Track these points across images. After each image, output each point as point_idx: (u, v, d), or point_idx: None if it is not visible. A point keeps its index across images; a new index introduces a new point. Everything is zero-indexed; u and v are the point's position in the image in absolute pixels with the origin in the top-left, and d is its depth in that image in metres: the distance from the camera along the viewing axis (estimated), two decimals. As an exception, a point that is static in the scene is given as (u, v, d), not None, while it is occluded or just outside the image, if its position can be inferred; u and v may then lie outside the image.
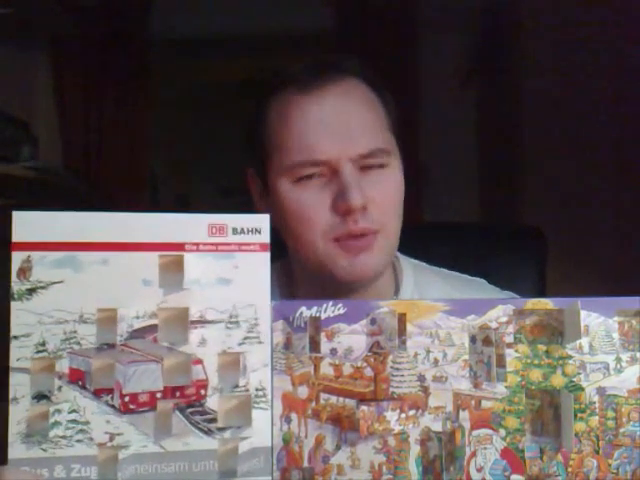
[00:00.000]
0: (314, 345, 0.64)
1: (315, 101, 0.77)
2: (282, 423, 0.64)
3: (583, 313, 0.60)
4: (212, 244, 0.64)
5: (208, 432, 0.63)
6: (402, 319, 0.63)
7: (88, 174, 2.52)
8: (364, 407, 0.62)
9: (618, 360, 0.60)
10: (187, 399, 0.63)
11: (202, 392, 0.63)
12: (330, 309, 0.64)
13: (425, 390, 0.62)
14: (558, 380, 0.60)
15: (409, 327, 0.63)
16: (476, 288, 0.86)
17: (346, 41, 2.46)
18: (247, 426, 0.63)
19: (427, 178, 2.53)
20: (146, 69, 2.58)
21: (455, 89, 2.55)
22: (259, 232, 0.64)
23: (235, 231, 0.64)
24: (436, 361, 0.62)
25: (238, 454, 0.62)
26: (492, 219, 2.44)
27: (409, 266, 0.89)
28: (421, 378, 0.62)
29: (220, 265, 0.64)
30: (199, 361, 0.63)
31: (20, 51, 2.44)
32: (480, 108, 2.62)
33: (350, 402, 0.63)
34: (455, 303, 0.63)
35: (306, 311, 0.65)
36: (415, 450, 0.61)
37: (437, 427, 0.61)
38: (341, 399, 0.63)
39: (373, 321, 0.63)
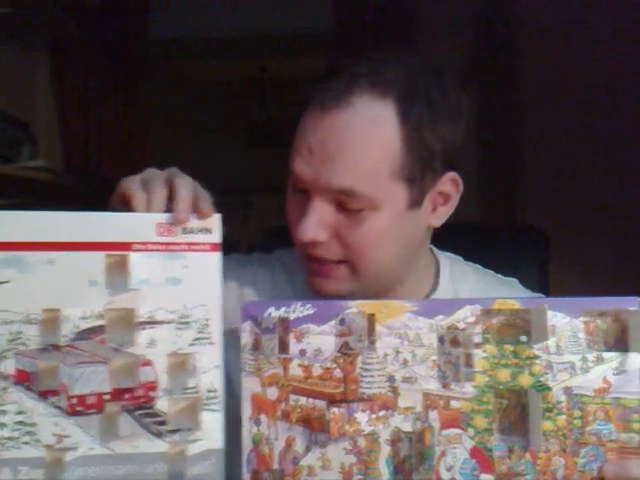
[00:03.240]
0: (283, 346, 0.64)
1: (316, 118, 0.72)
2: (252, 425, 0.64)
3: (549, 313, 0.61)
4: (161, 244, 0.63)
5: (158, 434, 0.62)
6: (371, 320, 0.63)
7: (88, 174, 2.51)
8: (335, 409, 0.62)
9: (584, 360, 0.60)
10: (136, 401, 0.62)
11: (151, 394, 0.62)
12: (299, 310, 0.64)
13: (395, 391, 0.62)
14: (525, 380, 0.60)
15: (378, 328, 0.63)
16: (508, 287, 0.85)
17: (346, 41, 2.46)
18: (197, 428, 0.62)
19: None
20: (146, 69, 2.58)
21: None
22: (209, 232, 0.64)
23: (185, 231, 0.64)
24: (405, 362, 0.62)
25: (188, 457, 0.62)
26: (492, 219, 2.44)
27: (446, 260, 0.87)
28: (390, 379, 0.62)
29: (169, 265, 0.63)
30: (148, 362, 0.62)
31: (20, 51, 2.44)
32: (480, 108, 2.62)
33: (320, 403, 0.63)
34: (423, 304, 0.63)
35: (275, 312, 0.64)
36: (385, 451, 0.62)
37: (407, 427, 0.62)
38: (311, 400, 0.63)
39: (342, 322, 0.63)
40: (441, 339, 0.62)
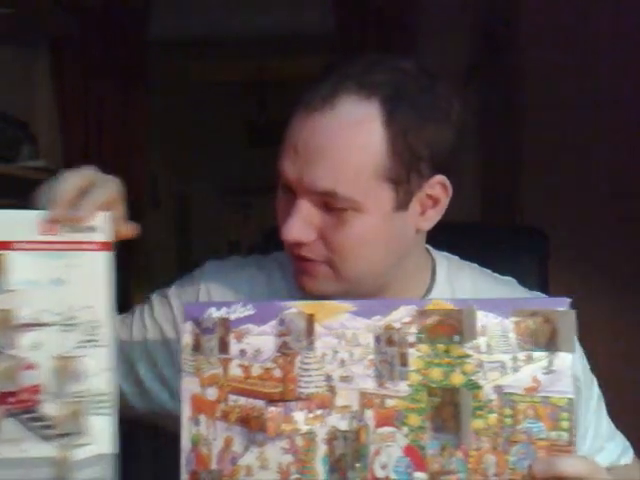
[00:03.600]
0: (223, 346, 0.64)
1: (302, 119, 0.72)
2: (191, 425, 0.64)
3: (481, 313, 0.62)
4: (43, 242, 0.61)
5: (45, 438, 0.60)
6: (310, 320, 0.63)
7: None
8: (272, 408, 0.62)
9: (515, 359, 0.61)
10: (21, 405, 0.60)
11: (36, 397, 0.60)
12: (240, 310, 0.64)
13: (332, 390, 0.63)
14: (457, 378, 0.61)
15: (317, 328, 0.63)
16: (506, 286, 0.85)
17: (346, 41, 2.46)
18: (85, 433, 0.61)
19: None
20: (146, 69, 2.58)
21: (455, 89, 2.55)
22: (94, 230, 0.63)
23: (68, 229, 0.62)
24: (343, 361, 0.63)
25: (76, 461, 0.60)
26: (492, 219, 2.44)
27: (443, 260, 0.86)
28: (328, 378, 0.63)
29: (53, 265, 0.61)
30: (32, 365, 0.60)
31: (20, 51, 2.44)
32: (480, 108, 2.62)
33: (259, 403, 0.63)
34: (361, 304, 0.64)
35: (215, 312, 0.65)
36: (322, 449, 0.62)
37: (343, 426, 0.62)
38: (250, 400, 0.63)
39: (282, 322, 0.64)
40: (377, 339, 0.62)
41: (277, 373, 0.63)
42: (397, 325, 0.62)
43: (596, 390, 0.85)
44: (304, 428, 0.62)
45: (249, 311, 0.65)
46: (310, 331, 0.63)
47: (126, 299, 2.63)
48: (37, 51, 2.54)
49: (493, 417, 0.60)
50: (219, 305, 0.65)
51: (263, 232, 1.20)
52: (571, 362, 0.60)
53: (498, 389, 0.61)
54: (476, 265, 0.88)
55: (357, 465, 0.62)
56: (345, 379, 0.63)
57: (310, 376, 0.63)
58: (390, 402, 0.62)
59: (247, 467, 0.63)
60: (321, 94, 0.71)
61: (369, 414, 0.62)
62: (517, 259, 0.91)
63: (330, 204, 0.72)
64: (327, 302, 0.65)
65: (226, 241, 4.96)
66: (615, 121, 2.10)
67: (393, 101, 0.71)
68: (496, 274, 0.88)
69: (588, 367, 0.84)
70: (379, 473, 0.62)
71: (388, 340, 0.62)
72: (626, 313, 1.98)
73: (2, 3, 1.97)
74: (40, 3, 2.05)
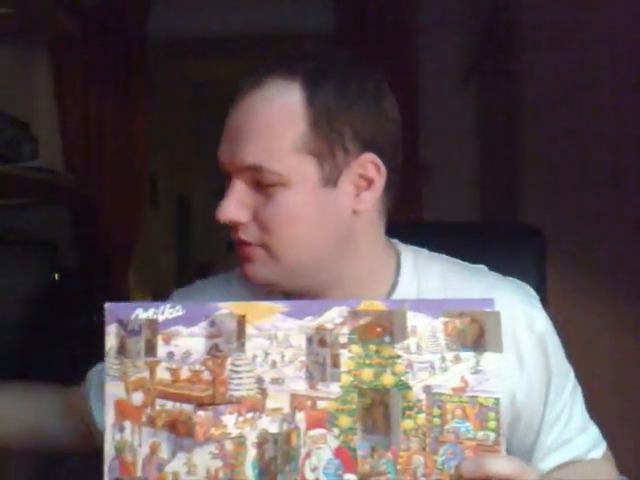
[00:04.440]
0: (150, 349, 0.63)
1: (234, 106, 0.77)
2: (115, 432, 0.62)
3: (411, 314, 0.62)
4: None
5: None
6: (241, 321, 0.62)
7: (88, 174, 2.52)
8: (201, 412, 0.61)
9: (443, 359, 0.61)
10: None
11: None
12: (168, 311, 0.63)
13: (263, 392, 0.62)
14: (387, 379, 0.61)
15: (248, 329, 0.62)
16: (475, 276, 0.84)
17: (346, 41, 2.46)
18: None
19: (428, 178, 2.53)
20: (146, 69, 2.58)
21: (455, 89, 2.55)
22: None
23: None
24: (274, 363, 0.62)
25: None
26: (492, 219, 2.44)
27: (409, 254, 0.87)
28: (259, 380, 0.62)
29: None
30: None
31: (20, 51, 2.44)
32: (480, 108, 2.62)
33: (187, 407, 0.61)
34: (293, 304, 0.63)
35: (142, 313, 0.63)
36: (252, 453, 0.61)
37: (274, 429, 0.61)
38: (177, 404, 0.62)
39: (212, 323, 0.62)
40: (309, 340, 0.62)
41: (206, 376, 0.62)
42: (329, 326, 0.62)
43: (571, 380, 0.84)
44: (234, 432, 0.61)
45: (178, 312, 0.63)
46: (241, 332, 0.62)
47: (126, 299, 2.62)
48: (37, 51, 2.54)
49: (422, 417, 0.60)
50: (146, 306, 0.63)
51: None
52: (498, 362, 0.60)
53: (427, 389, 0.61)
54: (446, 257, 0.88)
55: (287, 468, 0.61)
56: (276, 381, 0.62)
57: (241, 378, 0.62)
58: (321, 404, 0.61)
59: (174, 473, 0.61)
60: (250, 79, 0.76)
61: (300, 416, 0.61)
62: (515, 258, 0.91)
63: (260, 181, 0.74)
64: (259, 303, 0.63)
65: (226, 241, 4.95)
66: (615, 121, 2.10)
67: (315, 81, 0.75)
68: (466, 263, 0.87)
69: (563, 357, 0.84)
70: (309, 475, 0.61)
71: (320, 341, 0.62)
72: (625, 312, 1.98)
73: (2, 3, 1.97)
74: (40, 3, 2.05)
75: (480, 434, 0.60)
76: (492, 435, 0.60)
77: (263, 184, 0.74)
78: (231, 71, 3.80)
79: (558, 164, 2.13)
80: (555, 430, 0.81)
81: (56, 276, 2.14)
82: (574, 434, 0.82)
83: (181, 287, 0.94)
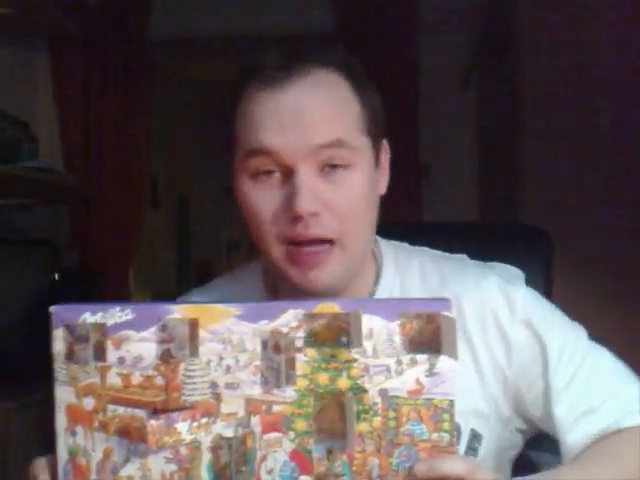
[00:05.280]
0: (100, 354, 0.61)
1: (275, 94, 0.73)
2: (67, 436, 0.61)
3: (368, 317, 0.61)
4: None
5: None
6: (194, 325, 0.61)
7: (88, 174, 2.52)
8: (153, 421, 0.60)
9: (399, 362, 0.60)
10: None
11: None
12: (117, 315, 0.61)
13: (217, 397, 0.61)
14: (344, 383, 0.61)
15: (202, 333, 0.61)
16: (456, 267, 0.84)
17: (346, 41, 2.46)
18: None
19: (427, 178, 2.53)
20: (146, 69, 2.58)
21: (455, 89, 2.55)
22: None
23: None
24: (228, 367, 0.61)
25: None
26: (492, 219, 2.44)
27: (390, 250, 0.86)
28: (213, 385, 0.61)
29: None
30: None
31: (20, 51, 2.44)
32: (480, 108, 2.62)
33: (139, 413, 0.61)
34: (247, 307, 0.62)
35: (91, 317, 0.62)
36: (207, 457, 0.61)
37: (229, 433, 0.61)
38: (129, 410, 0.61)
39: (164, 328, 0.61)
40: (264, 344, 0.61)
41: (159, 381, 0.61)
42: (284, 329, 0.61)
43: (582, 344, 0.80)
44: (188, 438, 0.60)
45: (127, 316, 0.61)
46: (194, 337, 0.61)
47: (126, 299, 2.62)
48: (37, 51, 2.54)
49: (377, 420, 0.60)
50: (94, 309, 0.62)
51: None
52: (453, 364, 0.60)
53: (383, 392, 0.60)
54: (426, 250, 0.88)
55: (242, 471, 0.61)
56: (231, 386, 0.61)
57: (195, 383, 0.61)
58: (277, 408, 0.61)
59: (128, 477, 0.61)
60: (280, 68, 0.74)
61: (255, 420, 0.61)
62: (521, 259, 0.90)
63: (330, 163, 0.73)
64: (212, 305, 0.62)
65: (226, 241, 4.96)
66: (615, 121, 2.10)
67: (350, 70, 0.77)
68: (447, 254, 0.87)
69: (560, 322, 0.81)
70: (265, 478, 0.61)
71: (275, 346, 0.61)
72: (631, 314, 1.98)
73: (2, 3, 1.97)
74: (40, 3, 2.05)
75: (435, 436, 0.60)
76: (446, 436, 0.60)
77: (335, 167, 0.73)
78: (231, 71, 3.80)
79: (557, 164, 2.13)
80: (567, 399, 0.77)
81: (56, 276, 2.14)
82: (599, 402, 0.76)
83: (181, 287, 0.94)
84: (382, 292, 0.82)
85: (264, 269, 0.87)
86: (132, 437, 0.61)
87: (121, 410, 0.61)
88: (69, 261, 2.46)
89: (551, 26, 2.12)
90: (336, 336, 0.61)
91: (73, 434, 0.62)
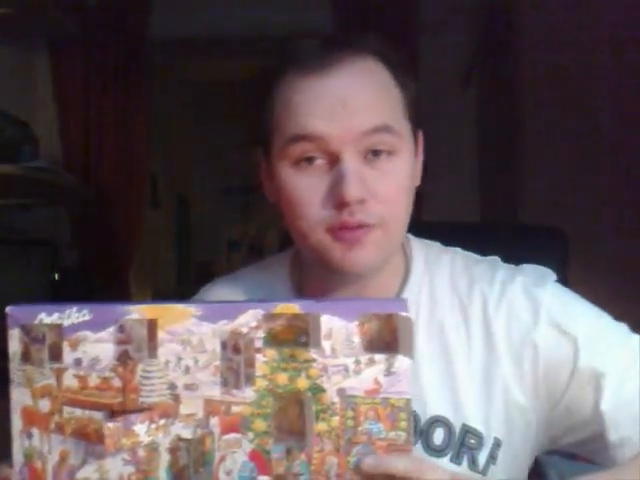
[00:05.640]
0: (56, 355, 0.61)
1: (318, 80, 0.73)
2: (23, 439, 0.61)
3: (327, 317, 0.61)
4: None
5: None
6: (152, 326, 0.61)
7: (88, 174, 2.52)
8: (110, 424, 0.60)
9: (357, 362, 0.61)
10: None
11: None
12: (74, 316, 0.61)
13: (176, 398, 0.61)
14: (302, 383, 0.61)
15: (160, 334, 0.61)
16: (488, 265, 0.83)
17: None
18: None
19: (426, 177, 2.53)
20: (146, 69, 2.58)
21: (455, 89, 2.55)
22: None
23: None
24: (187, 368, 0.61)
25: None
26: (492, 219, 2.44)
27: (421, 248, 0.85)
28: (172, 386, 0.61)
29: None
30: None
31: (20, 51, 2.44)
32: (480, 108, 2.62)
33: (96, 415, 0.60)
34: (207, 308, 0.62)
35: (47, 318, 0.61)
36: (165, 459, 0.60)
37: (187, 435, 0.61)
38: (87, 412, 0.60)
39: (122, 328, 0.61)
40: (224, 344, 0.61)
41: (117, 382, 0.60)
42: (244, 330, 0.61)
43: (611, 327, 0.78)
44: (146, 440, 0.60)
45: (85, 317, 0.61)
46: (152, 338, 0.60)
47: (126, 299, 2.62)
48: (37, 51, 2.54)
49: (336, 419, 0.61)
50: (50, 310, 0.61)
51: (282, 234, 1.19)
52: (409, 364, 0.61)
53: (341, 392, 0.61)
54: (458, 249, 0.87)
55: (201, 473, 0.61)
56: (190, 387, 0.61)
57: (153, 385, 0.61)
58: (236, 408, 0.61)
59: None
60: (321, 55, 0.74)
61: (214, 421, 0.61)
62: (536, 259, 0.89)
63: (375, 150, 0.73)
64: (171, 306, 0.62)
65: (226, 241, 4.96)
66: (616, 121, 2.10)
67: (386, 57, 0.77)
68: (479, 256, 0.86)
69: (584, 310, 0.79)
70: (224, 479, 0.61)
71: (234, 347, 0.61)
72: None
73: (2, 3, 1.97)
74: (40, 3, 2.05)
75: (392, 434, 0.61)
76: (403, 435, 0.61)
77: (378, 153, 0.73)
78: (231, 71, 3.80)
79: (558, 164, 2.13)
80: (609, 393, 0.73)
81: (56, 276, 2.14)
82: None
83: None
84: (411, 289, 0.82)
85: (292, 261, 0.88)
86: (89, 439, 0.60)
87: (78, 412, 0.60)
88: (69, 261, 2.46)
89: (551, 26, 2.12)
90: (295, 336, 0.61)
91: (29, 436, 0.61)
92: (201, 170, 4.56)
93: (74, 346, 0.61)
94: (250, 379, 0.61)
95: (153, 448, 0.60)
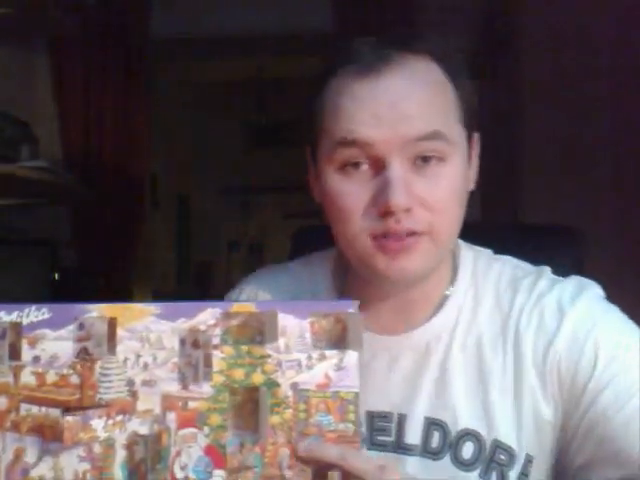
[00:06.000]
0: (14, 353, 0.62)
1: (367, 82, 0.71)
2: None
3: (281, 316, 0.64)
4: None
5: None
6: (112, 324, 0.62)
7: (88, 174, 2.52)
8: (69, 417, 0.61)
9: (309, 357, 0.64)
10: None
11: None
12: (33, 314, 0.62)
13: (134, 395, 0.62)
14: (258, 378, 0.63)
15: (120, 331, 0.62)
16: (534, 277, 0.80)
17: (346, 41, 2.45)
18: None
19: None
20: (146, 69, 2.58)
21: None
22: None
23: None
24: (146, 365, 0.62)
25: None
26: (492, 219, 2.44)
27: (470, 256, 0.83)
28: (130, 383, 0.62)
29: None
30: None
31: (20, 51, 2.44)
32: (480, 108, 2.62)
33: (53, 411, 0.61)
34: (166, 307, 0.63)
35: (5, 316, 0.62)
36: (121, 455, 0.62)
37: (144, 430, 0.62)
38: (43, 409, 0.61)
39: (81, 326, 0.62)
40: (182, 341, 0.63)
41: (74, 380, 0.62)
42: (202, 327, 0.63)
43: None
44: (102, 435, 0.61)
45: (44, 315, 0.62)
46: (112, 335, 0.62)
47: (126, 299, 2.62)
48: (37, 51, 2.54)
49: (289, 412, 0.63)
50: (9, 309, 0.63)
51: (292, 233, 1.19)
52: (357, 359, 0.63)
53: (294, 386, 0.63)
54: (510, 258, 0.85)
55: (157, 468, 0.62)
56: (148, 383, 0.62)
57: (111, 382, 0.62)
58: (193, 404, 0.63)
59: (40, 478, 0.61)
60: (375, 55, 0.72)
61: (171, 417, 0.62)
62: (552, 259, 0.87)
63: (425, 156, 0.71)
64: (130, 305, 0.63)
65: (226, 241, 4.96)
66: (616, 121, 2.10)
67: (444, 59, 0.75)
68: (530, 266, 0.83)
69: (619, 329, 0.75)
70: (179, 474, 0.62)
71: (193, 343, 0.63)
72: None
73: (2, 3, 1.97)
74: (40, 3, 2.05)
75: (341, 426, 0.63)
76: (351, 426, 0.63)
77: (429, 159, 0.71)
78: (231, 71, 3.80)
79: (558, 164, 2.13)
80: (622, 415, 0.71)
81: (56, 276, 2.14)
82: None
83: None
84: (457, 295, 0.80)
85: (336, 260, 0.87)
86: (46, 436, 0.61)
87: (35, 409, 0.61)
88: (69, 261, 2.46)
89: (551, 26, 2.12)
90: (251, 334, 0.63)
91: None
92: (201, 170, 4.56)
93: (33, 344, 0.62)
94: (207, 375, 0.63)
95: (109, 444, 0.61)
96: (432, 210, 0.71)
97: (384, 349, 0.80)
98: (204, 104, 4.11)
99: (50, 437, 0.61)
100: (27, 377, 0.62)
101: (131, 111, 2.56)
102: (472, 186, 0.80)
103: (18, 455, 0.61)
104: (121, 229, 2.56)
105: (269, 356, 0.63)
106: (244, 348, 0.63)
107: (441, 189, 0.72)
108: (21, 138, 1.92)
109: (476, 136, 0.80)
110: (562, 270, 0.84)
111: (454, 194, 0.73)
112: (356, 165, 0.72)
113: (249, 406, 0.63)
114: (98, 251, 2.55)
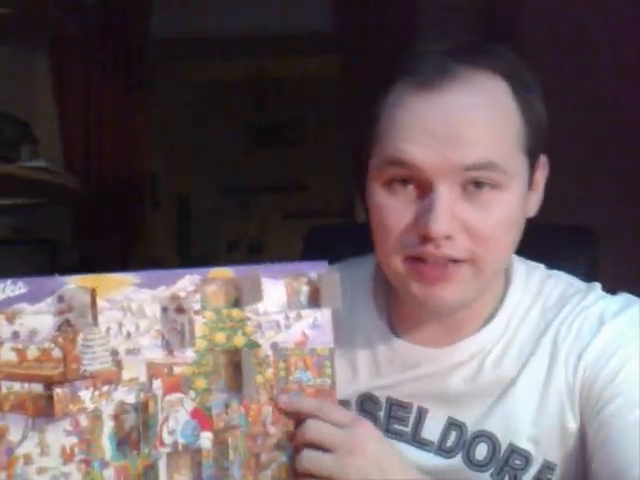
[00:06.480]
0: None
1: (424, 99, 0.67)
2: None
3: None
4: None
5: None
6: (92, 294, 0.62)
7: (88, 174, 2.52)
8: (58, 390, 0.60)
9: (287, 318, 0.66)
10: None
11: None
12: (9, 288, 0.61)
13: (118, 364, 0.62)
14: (239, 340, 0.65)
15: (100, 302, 0.62)
16: (584, 293, 0.77)
17: (346, 41, 2.46)
18: None
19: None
20: (146, 69, 2.58)
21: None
22: None
23: None
24: (129, 334, 0.63)
25: None
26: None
27: (523, 269, 0.80)
28: (114, 352, 0.62)
29: None
30: None
31: (20, 51, 2.44)
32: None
33: (36, 387, 0.60)
34: (144, 275, 0.64)
35: None
36: (108, 426, 0.62)
37: (131, 399, 0.63)
38: (26, 385, 0.60)
39: (61, 299, 0.62)
40: (164, 309, 0.64)
41: (57, 353, 0.61)
42: (182, 294, 0.64)
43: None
44: (90, 406, 0.61)
45: (20, 289, 0.61)
46: (93, 306, 0.62)
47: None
48: (37, 51, 2.54)
49: (270, 371, 0.65)
50: None
51: (302, 234, 1.18)
52: (330, 316, 0.65)
53: (274, 346, 0.65)
54: (563, 275, 0.82)
55: (147, 434, 0.62)
56: (132, 352, 0.63)
57: (94, 352, 0.62)
58: (178, 369, 0.64)
59: (25, 456, 0.60)
60: (435, 71, 0.67)
61: (157, 384, 0.63)
62: (565, 260, 0.86)
63: (476, 181, 0.67)
64: (109, 275, 0.63)
65: (226, 241, 4.96)
66: (616, 120, 2.10)
67: (514, 77, 0.70)
68: (581, 283, 0.80)
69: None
70: (167, 439, 0.63)
71: (177, 308, 0.64)
72: None
73: (2, 3, 1.97)
74: (40, 3, 2.05)
75: (319, 381, 0.66)
76: (328, 381, 0.66)
77: (481, 185, 0.67)
78: (231, 71, 3.80)
79: (558, 164, 2.12)
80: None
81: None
82: None
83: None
84: (506, 312, 0.77)
85: (377, 271, 0.83)
86: (29, 412, 0.60)
87: (17, 386, 0.60)
88: (69, 261, 2.46)
89: (552, 26, 2.12)
90: (231, 298, 0.65)
91: None
92: (201, 170, 4.56)
93: (10, 319, 0.61)
94: (191, 340, 0.64)
95: (96, 415, 0.62)
96: (476, 238, 0.68)
97: (428, 360, 0.78)
98: (204, 104, 4.11)
99: (34, 413, 0.60)
100: (7, 354, 0.60)
101: (131, 111, 2.55)
102: (533, 212, 0.76)
103: (2, 434, 0.60)
104: (121, 229, 2.56)
105: (249, 318, 0.65)
106: (225, 312, 0.64)
107: (492, 218, 0.68)
108: (21, 138, 1.92)
109: (543, 159, 0.75)
110: (577, 270, 0.83)
111: (505, 223, 0.69)
112: (404, 182, 0.69)
113: (232, 368, 0.64)
114: (98, 251, 2.55)
